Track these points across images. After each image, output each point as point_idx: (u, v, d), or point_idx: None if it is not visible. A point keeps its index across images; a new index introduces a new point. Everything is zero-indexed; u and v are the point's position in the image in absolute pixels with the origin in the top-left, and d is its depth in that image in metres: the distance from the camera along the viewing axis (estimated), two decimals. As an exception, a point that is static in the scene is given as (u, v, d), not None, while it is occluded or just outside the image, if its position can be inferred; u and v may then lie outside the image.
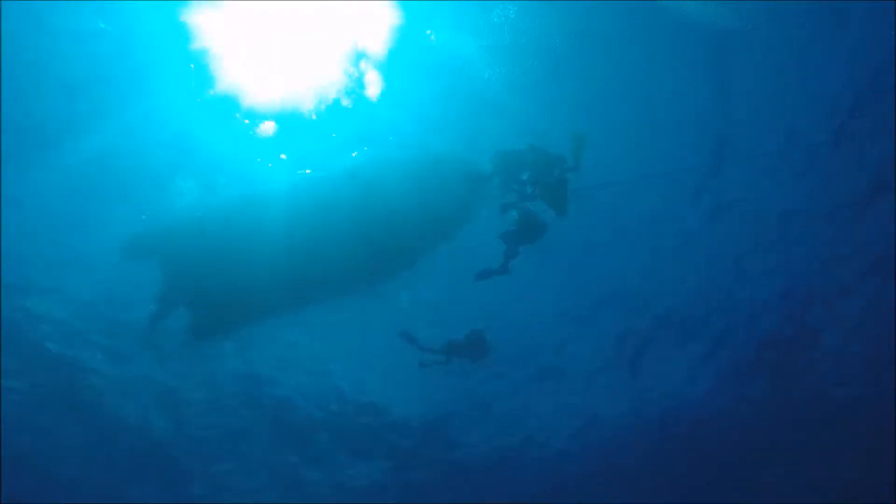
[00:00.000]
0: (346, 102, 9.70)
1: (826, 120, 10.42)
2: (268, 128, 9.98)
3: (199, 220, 11.10)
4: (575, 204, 10.05)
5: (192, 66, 9.11)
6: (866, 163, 10.83)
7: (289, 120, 9.85)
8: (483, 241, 10.78)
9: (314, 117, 9.84)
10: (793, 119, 10.50)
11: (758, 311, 13.25)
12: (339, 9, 8.69)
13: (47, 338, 12.85)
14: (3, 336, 12.53)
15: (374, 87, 9.58)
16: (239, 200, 10.93)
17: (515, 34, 9.30)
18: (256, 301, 11.75)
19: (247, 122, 9.83)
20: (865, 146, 10.63)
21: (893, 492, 15.90)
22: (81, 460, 15.37)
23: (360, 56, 9.23)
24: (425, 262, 11.73)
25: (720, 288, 12.90)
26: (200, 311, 12.02)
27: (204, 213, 11.05)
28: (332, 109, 9.74)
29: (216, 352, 13.12)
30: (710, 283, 12.84)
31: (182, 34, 8.74)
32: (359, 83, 9.52)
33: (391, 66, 9.36)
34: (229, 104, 9.57)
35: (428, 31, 9.03)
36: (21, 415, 14.08)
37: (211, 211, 11.03)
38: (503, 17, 9.11)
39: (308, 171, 10.48)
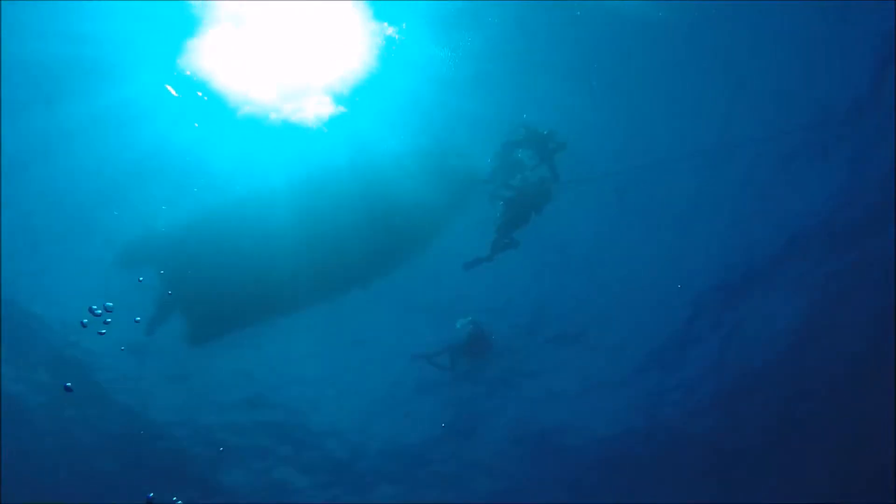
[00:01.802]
0: (335, 107, 9.81)
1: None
2: (259, 134, 10.02)
3: (193, 227, 11.19)
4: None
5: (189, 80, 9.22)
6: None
7: (280, 125, 9.92)
8: (473, 237, 10.97)
9: (304, 122, 9.94)
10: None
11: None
12: (326, 19, 8.87)
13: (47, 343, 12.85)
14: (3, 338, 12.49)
15: (364, 90, 9.69)
16: (232, 206, 11.03)
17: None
18: (252, 305, 11.85)
19: (239, 129, 9.89)
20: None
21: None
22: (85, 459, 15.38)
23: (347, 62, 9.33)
24: (419, 259, 11.88)
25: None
26: (196, 317, 12.11)
27: (198, 220, 11.14)
28: (322, 113, 9.86)
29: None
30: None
31: (174, 47, 8.87)
32: (348, 86, 9.61)
33: (377, 69, 9.48)
34: (221, 112, 9.65)
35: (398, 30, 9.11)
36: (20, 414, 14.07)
37: (204, 217, 11.11)
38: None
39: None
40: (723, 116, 10.74)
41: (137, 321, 11.50)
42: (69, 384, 13.46)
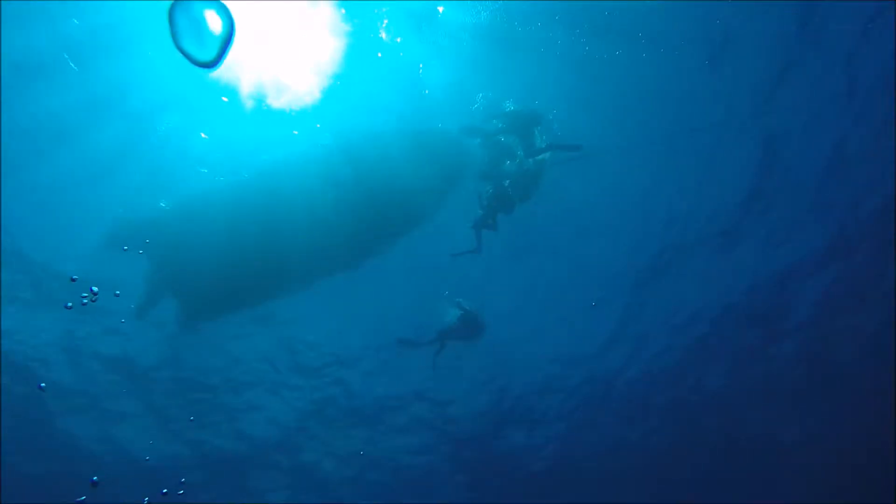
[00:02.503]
0: (322, 92, 9.97)
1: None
2: (246, 117, 10.13)
3: (183, 208, 11.25)
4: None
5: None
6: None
7: (267, 109, 10.06)
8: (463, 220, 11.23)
9: (291, 106, 10.10)
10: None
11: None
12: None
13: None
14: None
15: (350, 74, 9.84)
16: (222, 186, 11.10)
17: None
18: (244, 286, 11.97)
19: (225, 99, 9.93)
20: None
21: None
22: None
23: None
24: (409, 242, 12.02)
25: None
26: (188, 299, 12.21)
27: (188, 201, 11.20)
28: (309, 97, 10.04)
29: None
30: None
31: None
32: (336, 70, 9.76)
33: (363, 54, 9.64)
34: (210, 96, 9.75)
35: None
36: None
37: (195, 198, 11.18)
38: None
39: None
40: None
41: (117, 294, 11.54)
42: (42, 384, 13.49)
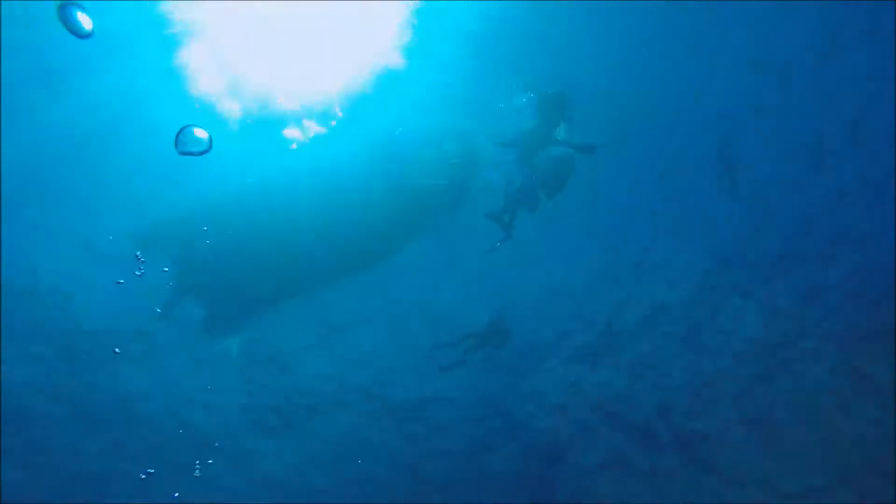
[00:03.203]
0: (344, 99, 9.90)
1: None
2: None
3: (208, 212, 11.18)
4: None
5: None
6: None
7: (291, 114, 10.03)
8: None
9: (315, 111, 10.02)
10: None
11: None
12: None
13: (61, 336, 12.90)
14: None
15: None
16: (247, 190, 11.06)
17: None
18: (268, 289, 11.96)
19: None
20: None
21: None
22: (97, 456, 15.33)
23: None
24: (439, 239, 11.88)
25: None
26: (212, 304, 12.20)
27: (213, 205, 11.14)
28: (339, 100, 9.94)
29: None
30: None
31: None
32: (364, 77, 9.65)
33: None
34: (230, 97, 9.68)
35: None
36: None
37: (219, 202, 11.14)
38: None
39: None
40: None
41: (121, 283, 11.34)
42: (117, 349, 13.09)
